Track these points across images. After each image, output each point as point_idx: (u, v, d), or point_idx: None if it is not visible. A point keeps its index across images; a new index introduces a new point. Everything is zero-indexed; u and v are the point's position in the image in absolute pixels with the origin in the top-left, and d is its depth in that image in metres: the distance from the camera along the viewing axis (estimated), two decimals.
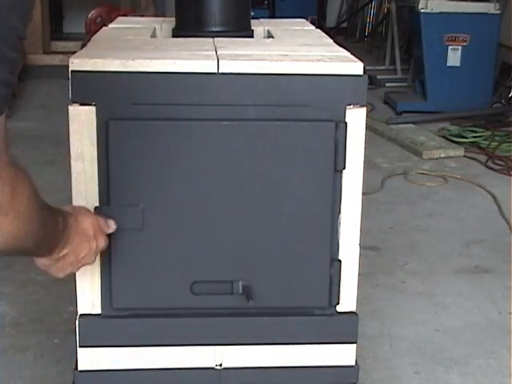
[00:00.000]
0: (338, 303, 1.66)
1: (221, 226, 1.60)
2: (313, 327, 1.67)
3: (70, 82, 1.48)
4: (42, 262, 1.37)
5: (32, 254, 1.30)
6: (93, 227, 1.42)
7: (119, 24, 2.12)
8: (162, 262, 1.60)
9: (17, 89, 5.30)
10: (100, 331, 1.63)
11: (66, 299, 2.43)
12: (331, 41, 1.87)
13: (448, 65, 5.43)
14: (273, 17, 7.68)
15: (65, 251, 1.36)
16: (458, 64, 5.42)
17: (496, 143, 4.66)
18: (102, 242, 1.46)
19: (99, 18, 6.43)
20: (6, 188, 1.04)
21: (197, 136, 1.54)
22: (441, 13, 5.31)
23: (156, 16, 5.13)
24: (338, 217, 1.62)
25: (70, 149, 1.52)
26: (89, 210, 1.48)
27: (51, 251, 1.33)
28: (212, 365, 1.67)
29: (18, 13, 0.80)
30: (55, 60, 6.28)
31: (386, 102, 5.77)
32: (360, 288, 1.67)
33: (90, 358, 1.64)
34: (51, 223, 1.27)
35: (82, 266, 1.45)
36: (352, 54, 1.65)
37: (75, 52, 1.58)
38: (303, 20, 2.30)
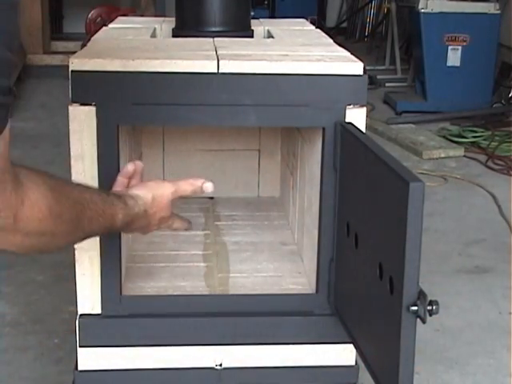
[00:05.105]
0: None
1: None
2: (313, 327, 1.67)
3: (70, 81, 1.48)
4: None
5: (75, 242, 1.25)
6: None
7: (119, 24, 2.12)
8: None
9: (17, 88, 5.30)
10: (100, 331, 1.63)
11: (66, 299, 2.44)
12: (331, 41, 1.87)
13: (448, 65, 5.42)
14: (273, 17, 7.67)
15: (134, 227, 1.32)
16: (458, 64, 5.42)
17: (496, 143, 4.65)
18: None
19: (99, 18, 6.44)
20: (6, 213, 0.97)
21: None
22: (441, 13, 5.31)
23: (156, 16, 5.13)
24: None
25: (70, 149, 1.52)
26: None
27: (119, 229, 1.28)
28: (212, 365, 1.67)
29: (2, 41, 0.82)
30: (55, 60, 6.28)
31: (385, 102, 5.77)
32: None
33: (90, 358, 1.64)
34: (91, 215, 1.16)
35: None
36: (352, 53, 1.65)
37: (75, 52, 1.58)
38: (303, 20, 2.31)
